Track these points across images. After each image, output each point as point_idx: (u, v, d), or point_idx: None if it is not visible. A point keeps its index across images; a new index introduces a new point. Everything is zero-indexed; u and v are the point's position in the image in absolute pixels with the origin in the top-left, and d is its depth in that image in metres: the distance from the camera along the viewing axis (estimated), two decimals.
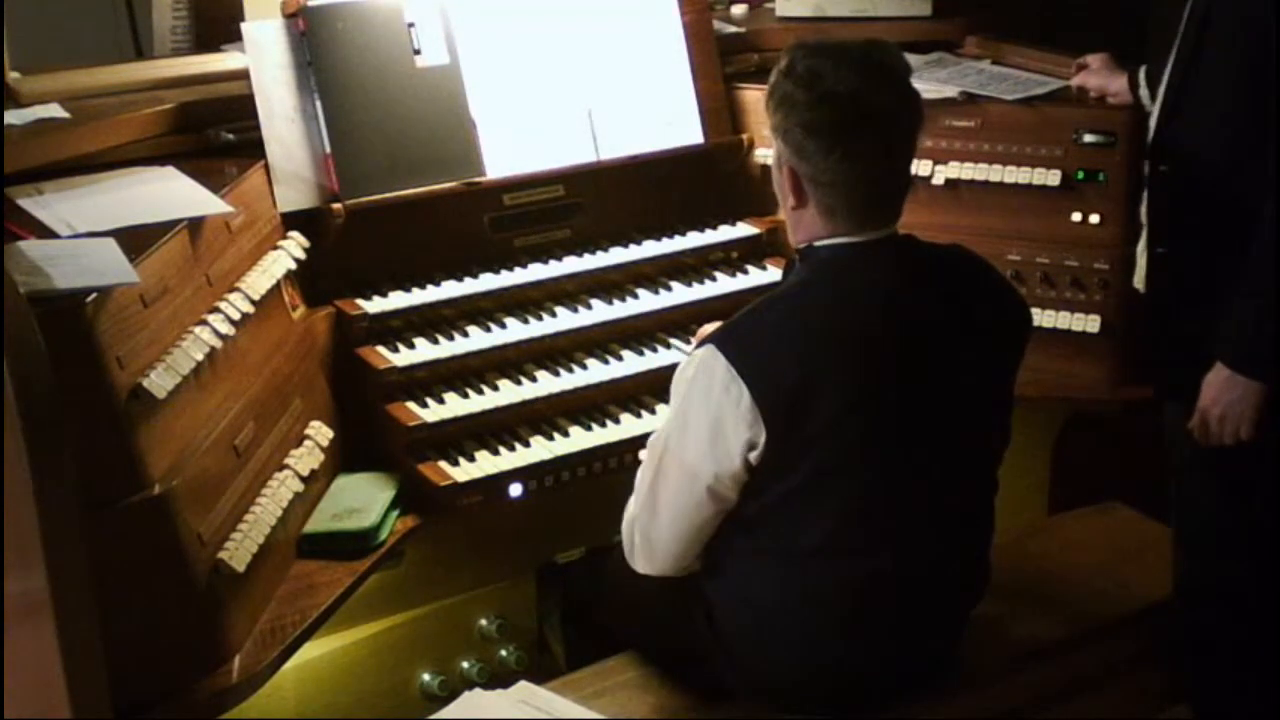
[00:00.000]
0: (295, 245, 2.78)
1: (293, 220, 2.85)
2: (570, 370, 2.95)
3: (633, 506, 2.44)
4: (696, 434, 2.27)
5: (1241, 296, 2.47)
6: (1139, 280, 2.80)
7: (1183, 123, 2.62)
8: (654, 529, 2.39)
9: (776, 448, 2.24)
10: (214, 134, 2.90)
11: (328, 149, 2.89)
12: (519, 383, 2.90)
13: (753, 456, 2.25)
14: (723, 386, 2.23)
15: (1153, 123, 2.72)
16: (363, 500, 2.65)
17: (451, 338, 2.91)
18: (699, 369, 2.28)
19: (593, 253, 3.15)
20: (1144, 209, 2.76)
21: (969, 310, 2.38)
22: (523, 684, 2.53)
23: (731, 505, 2.32)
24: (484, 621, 2.95)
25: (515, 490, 2.73)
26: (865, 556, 2.33)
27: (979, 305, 2.40)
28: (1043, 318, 3.16)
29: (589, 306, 3.07)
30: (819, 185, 2.28)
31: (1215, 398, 2.52)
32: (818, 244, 2.33)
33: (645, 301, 3.11)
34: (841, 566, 2.33)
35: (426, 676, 2.88)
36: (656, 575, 2.44)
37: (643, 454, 2.44)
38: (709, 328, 2.75)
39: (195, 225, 2.48)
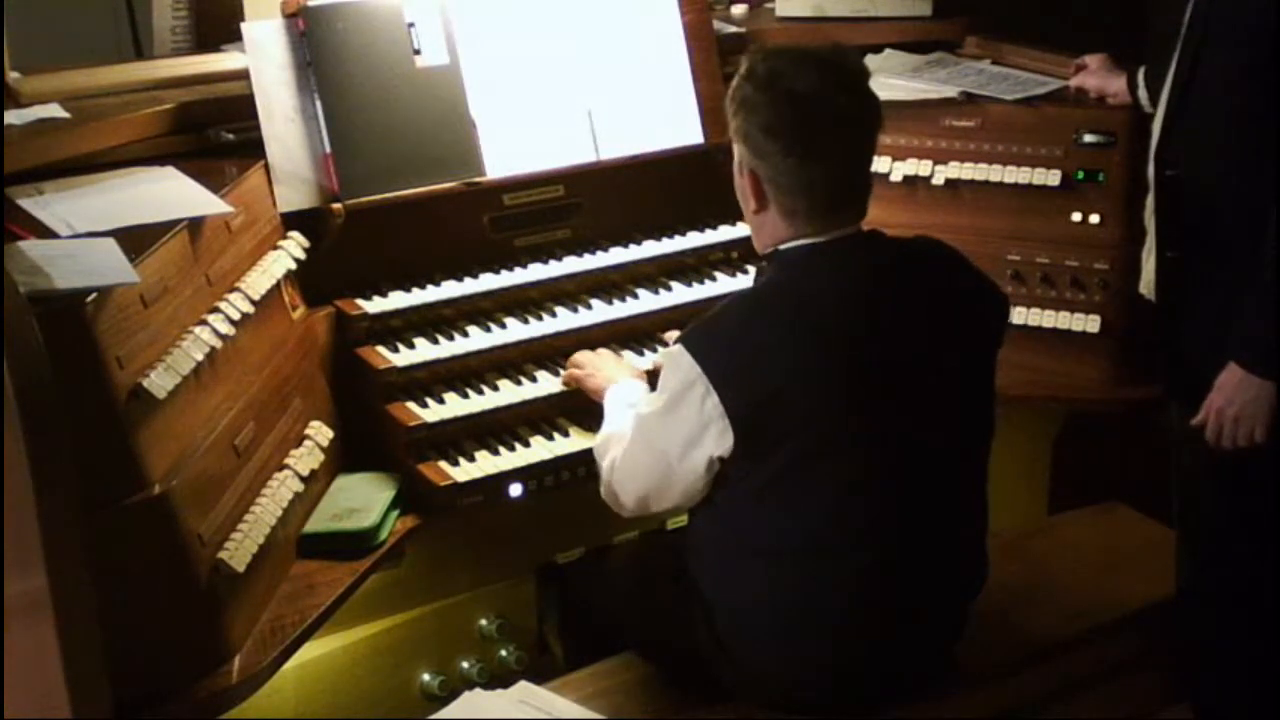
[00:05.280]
0: (295, 245, 2.78)
1: (293, 220, 2.85)
2: None
3: (614, 446, 2.49)
4: (675, 431, 2.31)
5: (1254, 297, 2.47)
6: (1145, 286, 2.78)
7: (1188, 126, 2.61)
8: (624, 477, 2.46)
9: (745, 445, 2.26)
10: (214, 134, 2.90)
11: (328, 149, 2.89)
12: (519, 383, 2.90)
13: (722, 454, 2.28)
14: (689, 385, 2.26)
15: (1156, 126, 2.71)
16: (363, 500, 2.65)
17: (451, 338, 2.91)
18: (670, 366, 2.32)
19: (593, 253, 3.15)
20: (1148, 213, 2.76)
21: (940, 301, 2.39)
22: (523, 684, 2.54)
23: (700, 492, 2.37)
24: (484, 621, 2.94)
25: (515, 490, 2.73)
26: (852, 554, 2.33)
27: (950, 295, 2.41)
28: (1043, 318, 3.17)
29: (589, 306, 3.07)
30: (779, 187, 2.29)
31: (1230, 399, 2.51)
32: (782, 247, 2.34)
33: (645, 301, 3.11)
34: (829, 564, 2.33)
35: (426, 676, 2.88)
36: (621, 512, 2.52)
37: None
38: (673, 335, 2.77)
39: (195, 225, 2.48)
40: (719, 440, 2.27)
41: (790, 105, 2.25)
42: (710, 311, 2.37)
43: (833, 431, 2.27)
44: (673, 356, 2.32)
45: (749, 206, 2.37)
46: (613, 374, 2.78)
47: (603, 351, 2.92)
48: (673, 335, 2.78)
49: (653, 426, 2.36)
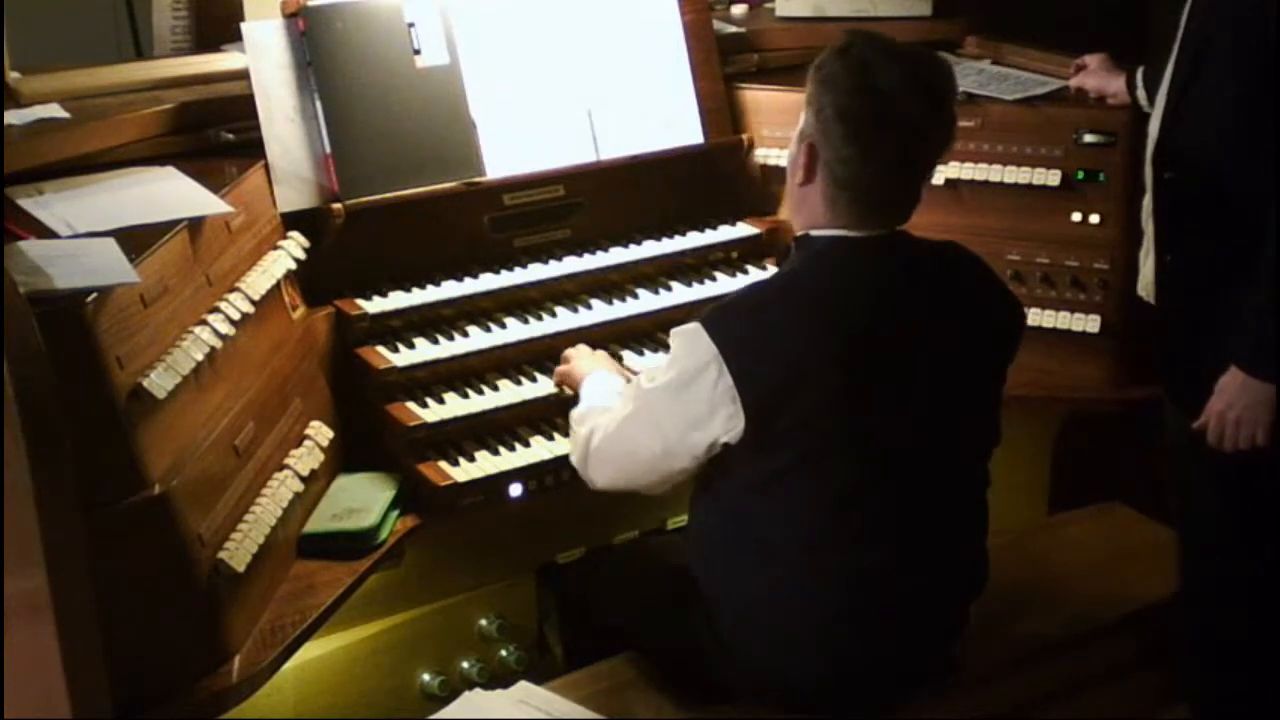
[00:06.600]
0: (295, 245, 2.78)
1: (293, 220, 2.85)
2: None
3: (599, 416, 2.48)
4: (681, 410, 2.29)
5: (1256, 300, 2.46)
6: (1143, 288, 2.78)
7: (1186, 127, 2.60)
8: (610, 448, 2.43)
9: (754, 433, 2.25)
10: (214, 134, 2.91)
11: (328, 149, 2.90)
12: (519, 383, 2.90)
13: (729, 440, 2.27)
14: (704, 365, 2.25)
15: (1153, 126, 2.71)
16: (363, 500, 2.65)
17: (451, 338, 2.91)
18: (686, 344, 2.30)
19: (593, 253, 3.15)
20: (1145, 215, 2.76)
21: (960, 307, 2.39)
22: (523, 684, 2.54)
23: (685, 475, 2.36)
24: (484, 621, 2.94)
25: (515, 490, 2.73)
26: (853, 552, 2.33)
27: (971, 303, 2.41)
28: (1043, 318, 3.17)
29: (589, 306, 3.07)
30: (831, 170, 2.28)
31: (1231, 401, 2.50)
32: (814, 234, 2.34)
33: (645, 301, 3.11)
34: (830, 562, 2.33)
35: (426, 676, 2.88)
36: (590, 484, 2.51)
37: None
38: None
39: (195, 225, 2.48)
40: (727, 424, 2.25)
41: (869, 97, 2.23)
42: (732, 293, 2.36)
43: (840, 428, 2.27)
44: (689, 334, 2.29)
45: (795, 178, 2.34)
46: (596, 364, 2.78)
47: (593, 350, 2.92)
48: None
49: (657, 402, 2.34)
